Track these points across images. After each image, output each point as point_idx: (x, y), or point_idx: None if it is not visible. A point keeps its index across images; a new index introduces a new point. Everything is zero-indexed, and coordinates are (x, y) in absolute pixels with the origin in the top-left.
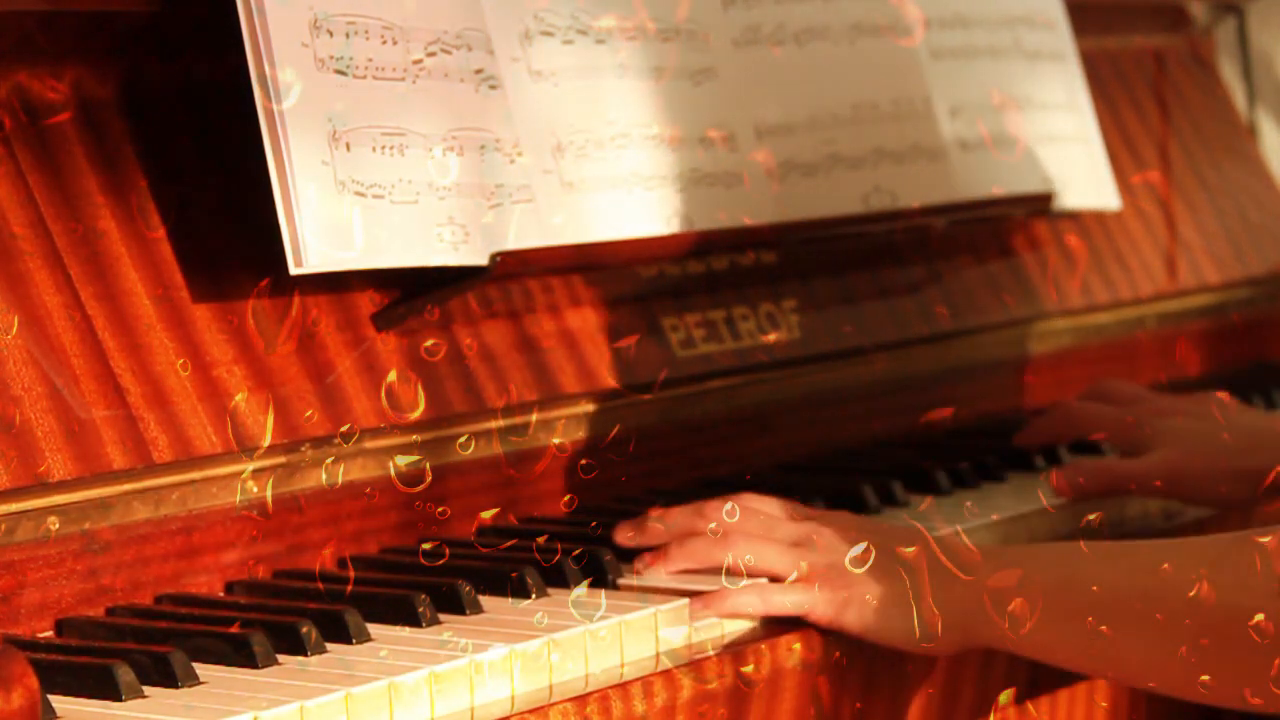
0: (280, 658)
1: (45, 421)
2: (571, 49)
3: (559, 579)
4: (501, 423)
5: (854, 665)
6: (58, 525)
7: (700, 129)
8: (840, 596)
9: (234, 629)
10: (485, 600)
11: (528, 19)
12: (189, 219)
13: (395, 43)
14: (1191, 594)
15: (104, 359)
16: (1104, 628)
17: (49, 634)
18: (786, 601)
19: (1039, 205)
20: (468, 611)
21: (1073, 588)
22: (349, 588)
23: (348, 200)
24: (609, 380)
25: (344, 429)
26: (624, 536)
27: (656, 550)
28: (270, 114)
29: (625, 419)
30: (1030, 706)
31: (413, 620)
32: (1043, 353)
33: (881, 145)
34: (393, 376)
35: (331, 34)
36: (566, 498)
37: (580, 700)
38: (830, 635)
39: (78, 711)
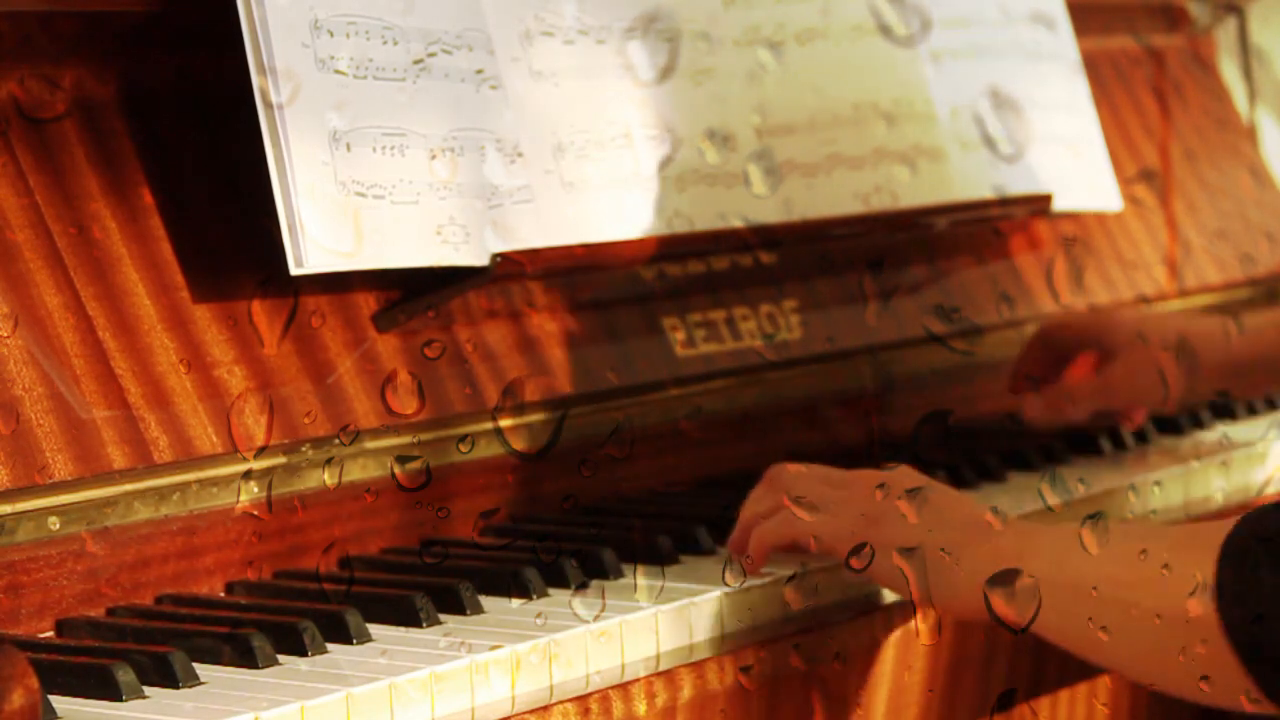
0: (281, 658)
1: (45, 421)
2: (572, 49)
3: (559, 578)
4: (502, 423)
5: (854, 666)
6: (58, 525)
7: (700, 129)
8: (866, 536)
9: (234, 629)
10: (485, 600)
11: (528, 19)
12: (189, 219)
13: (395, 43)
14: (1189, 591)
15: (104, 359)
16: (1099, 623)
17: (49, 634)
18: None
19: (1039, 206)
20: (468, 611)
21: (1067, 575)
22: (349, 588)
23: (348, 200)
24: (609, 380)
25: (344, 429)
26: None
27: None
28: (270, 114)
29: (625, 418)
30: (1030, 706)
31: (413, 620)
32: None
33: (881, 145)
34: (393, 377)
35: (331, 34)
36: (566, 498)
37: (581, 700)
38: (830, 636)
39: (78, 712)
